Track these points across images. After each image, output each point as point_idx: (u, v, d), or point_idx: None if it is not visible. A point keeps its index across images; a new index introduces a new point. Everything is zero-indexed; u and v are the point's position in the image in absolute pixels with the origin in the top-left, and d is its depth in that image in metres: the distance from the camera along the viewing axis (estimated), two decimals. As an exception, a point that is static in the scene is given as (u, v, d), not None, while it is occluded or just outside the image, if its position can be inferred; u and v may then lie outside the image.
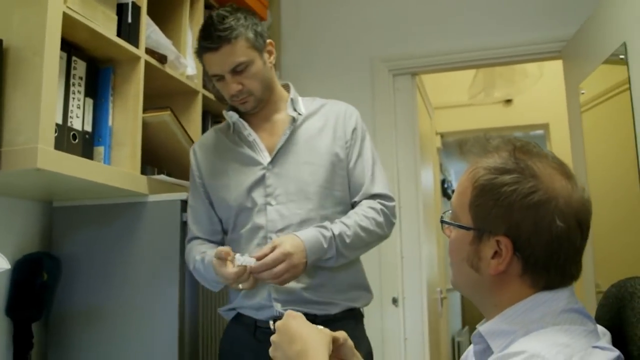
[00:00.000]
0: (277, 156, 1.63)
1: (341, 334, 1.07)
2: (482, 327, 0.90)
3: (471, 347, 0.98)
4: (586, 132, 2.45)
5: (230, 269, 1.47)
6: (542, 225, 0.84)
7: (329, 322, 1.56)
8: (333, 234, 1.53)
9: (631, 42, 1.95)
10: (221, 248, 1.51)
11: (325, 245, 1.52)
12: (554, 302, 0.86)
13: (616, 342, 0.90)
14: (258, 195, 1.61)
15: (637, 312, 0.89)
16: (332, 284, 1.59)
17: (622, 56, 1.99)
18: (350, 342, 1.09)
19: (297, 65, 2.97)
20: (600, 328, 0.90)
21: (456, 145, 1.09)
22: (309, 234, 1.52)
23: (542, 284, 0.87)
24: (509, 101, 4.37)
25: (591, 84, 2.39)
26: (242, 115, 1.69)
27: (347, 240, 1.55)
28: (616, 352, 0.83)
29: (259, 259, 1.45)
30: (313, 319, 1.53)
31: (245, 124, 1.67)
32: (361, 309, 1.69)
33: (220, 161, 1.69)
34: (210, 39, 1.55)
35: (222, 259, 1.48)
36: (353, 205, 1.67)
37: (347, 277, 1.62)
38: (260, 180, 1.61)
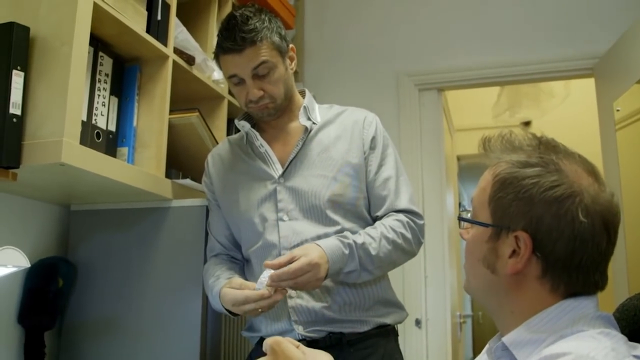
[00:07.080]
0: (289, 169, 1.53)
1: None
2: (506, 338, 0.83)
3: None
4: (620, 151, 2.36)
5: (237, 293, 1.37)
6: (564, 220, 0.78)
7: (359, 340, 1.48)
8: (355, 242, 1.42)
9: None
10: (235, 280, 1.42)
11: (346, 252, 1.40)
12: (582, 309, 0.79)
13: None
14: (268, 210, 1.51)
15: None
16: (357, 302, 1.48)
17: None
18: None
19: (320, 77, 2.91)
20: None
21: (480, 143, 1.05)
22: (329, 242, 1.40)
23: (562, 288, 0.81)
24: (527, 124, 4.28)
25: (627, 102, 2.31)
26: (256, 124, 1.60)
27: (373, 252, 1.43)
28: None
29: (276, 267, 1.32)
30: (339, 337, 1.45)
31: (257, 134, 1.57)
32: (395, 327, 1.58)
33: (231, 174, 1.60)
34: (234, 40, 1.44)
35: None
36: (375, 220, 1.55)
37: (373, 294, 1.51)
38: (271, 195, 1.51)
